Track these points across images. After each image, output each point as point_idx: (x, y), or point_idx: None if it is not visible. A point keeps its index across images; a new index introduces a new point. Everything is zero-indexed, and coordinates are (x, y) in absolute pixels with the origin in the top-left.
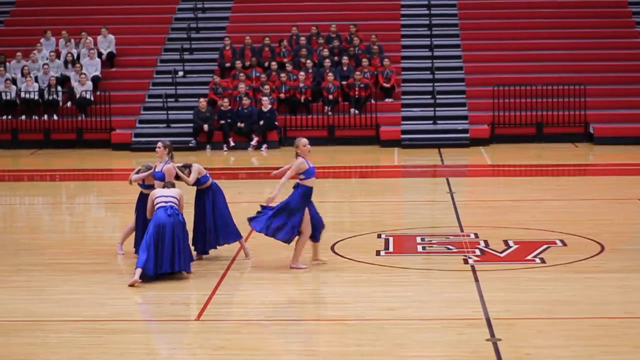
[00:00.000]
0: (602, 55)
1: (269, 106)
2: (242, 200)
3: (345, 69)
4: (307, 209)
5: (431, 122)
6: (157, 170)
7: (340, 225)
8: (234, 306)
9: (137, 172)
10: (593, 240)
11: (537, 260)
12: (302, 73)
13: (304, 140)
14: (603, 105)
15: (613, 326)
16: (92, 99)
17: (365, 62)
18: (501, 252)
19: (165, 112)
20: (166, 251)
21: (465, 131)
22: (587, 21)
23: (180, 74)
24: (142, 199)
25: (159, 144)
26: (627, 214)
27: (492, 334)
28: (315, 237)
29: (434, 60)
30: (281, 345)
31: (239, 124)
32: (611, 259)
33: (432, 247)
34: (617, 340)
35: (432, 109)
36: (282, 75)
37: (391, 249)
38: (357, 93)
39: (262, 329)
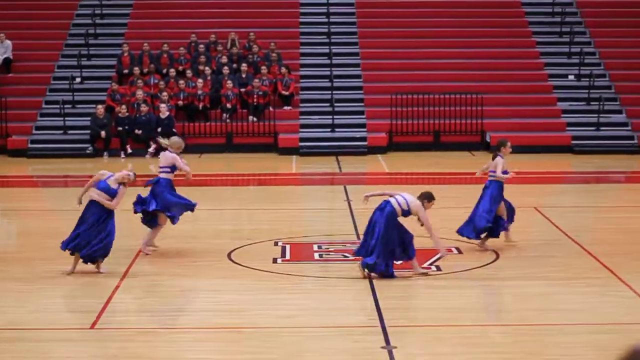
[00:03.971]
0: (498, 64)
1: (167, 113)
2: None
3: (244, 76)
4: None
5: (329, 130)
6: (102, 180)
7: (238, 232)
8: (130, 314)
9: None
10: (489, 248)
11: (433, 267)
12: (200, 80)
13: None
14: (499, 114)
15: (508, 333)
16: None
17: (264, 69)
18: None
19: (62, 118)
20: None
21: (363, 139)
22: (484, 31)
23: (78, 80)
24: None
25: (132, 176)
26: (522, 222)
27: (388, 342)
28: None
29: (333, 69)
30: (177, 353)
31: (136, 131)
32: (507, 267)
33: (329, 254)
34: (512, 347)
35: (331, 116)
36: (181, 82)
37: (288, 256)
38: (255, 100)
39: (157, 337)
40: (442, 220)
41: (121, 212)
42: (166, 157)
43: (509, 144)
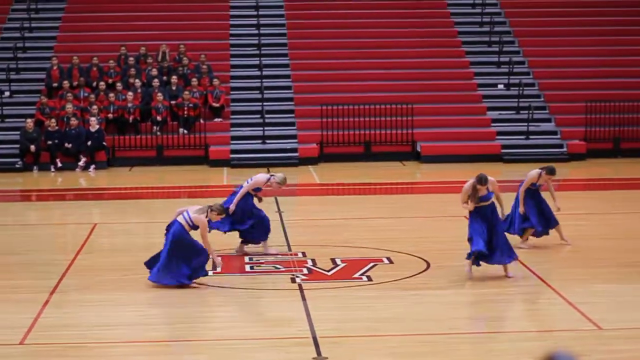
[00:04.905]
0: (428, 74)
1: (97, 126)
2: (69, 222)
3: (174, 88)
4: None
5: (260, 141)
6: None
7: None
8: (60, 329)
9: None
10: (419, 258)
11: (364, 278)
12: (130, 93)
13: None
14: (429, 123)
15: (439, 342)
16: None
17: (194, 81)
18: (328, 271)
19: None
20: None
21: (294, 150)
22: (414, 41)
23: (7, 94)
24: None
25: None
26: (452, 231)
27: (319, 353)
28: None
29: (263, 80)
30: None
31: (66, 145)
32: (437, 276)
33: (260, 266)
34: (443, 356)
35: (262, 128)
36: (111, 95)
37: (219, 268)
38: (186, 113)
39: (88, 352)
40: (372, 231)
41: (47, 227)
42: (259, 180)
43: (551, 176)
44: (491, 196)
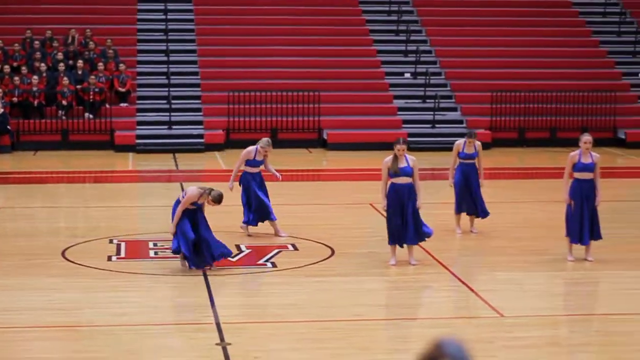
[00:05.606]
0: (335, 62)
1: (1, 110)
2: None
3: (80, 72)
4: None
5: (166, 127)
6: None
7: (74, 230)
8: None
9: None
10: (324, 244)
11: (269, 264)
12: (35, 77)
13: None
14: (336, 111)
15: (341, 329)
16: None
17: (100, 66)
18: (233, 257)
19: None
20: None
21: (200, 136)
22: (321, 29)
23: None
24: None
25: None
26: (357, 218)
27: (222, 338)
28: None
29: (170, 65)
30: (10, 353)
31: None
32: (341, 263)
33: (164, 252)
34: (345, 342)
35: (168, 114)
36: (15, 78)
37: (123, 254)
38: (91, 97)
39: None
40: (278, 217)
41: None
42: (244, 154)
43: (471, 139)
44: (410, 171)
